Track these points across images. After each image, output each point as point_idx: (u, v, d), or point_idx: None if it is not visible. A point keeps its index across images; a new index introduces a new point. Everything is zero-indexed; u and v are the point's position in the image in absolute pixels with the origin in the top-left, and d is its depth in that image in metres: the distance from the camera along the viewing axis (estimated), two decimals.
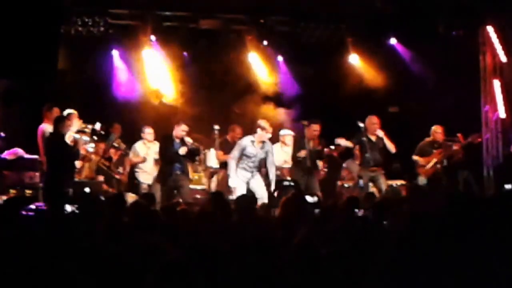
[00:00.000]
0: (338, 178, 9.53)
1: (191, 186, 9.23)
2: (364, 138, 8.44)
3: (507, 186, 7.47)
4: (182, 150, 8.17)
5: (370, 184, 8.59)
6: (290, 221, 4.28)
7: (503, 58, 9.66)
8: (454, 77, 9.76)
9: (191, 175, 9.40)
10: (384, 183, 8.55)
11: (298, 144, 8.65)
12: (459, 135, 8.87)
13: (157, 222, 4.29)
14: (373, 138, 8.60)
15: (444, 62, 9.86)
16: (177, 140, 8.24)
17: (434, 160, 9.03)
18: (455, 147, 9.12)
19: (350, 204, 5.26)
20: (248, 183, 8.11)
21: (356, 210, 5.17)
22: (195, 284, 2.55)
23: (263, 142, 8.15)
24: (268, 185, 8.15)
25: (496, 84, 9.78)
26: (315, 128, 8.58)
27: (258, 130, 8.08)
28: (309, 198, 7.28)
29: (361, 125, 8.44)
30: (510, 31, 9.44)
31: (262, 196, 7.81)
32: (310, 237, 3.04)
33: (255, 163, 8.14)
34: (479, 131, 9.65)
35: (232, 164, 8.04)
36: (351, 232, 3.50)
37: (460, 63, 9.75)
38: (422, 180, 8.97)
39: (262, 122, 8.19)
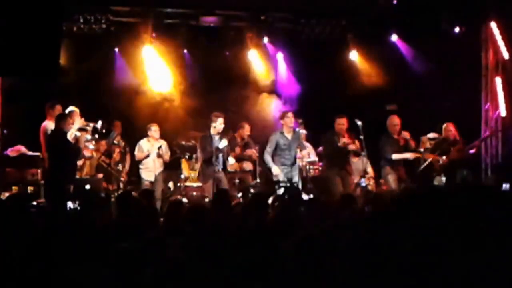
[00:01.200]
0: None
1: (187, 184, 9.28)
2: (362, 137, 8.35)
3: (505, 186, 7.41)
4: (223, 143, 8.15)
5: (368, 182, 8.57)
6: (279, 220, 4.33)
7: (506, 55, 9.60)
8: (455, 74, 9.72)
9: (188, 172, 9.46)
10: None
11: (326, 139, 8.52)
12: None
13: (154, 219, 4.35)
14: (395, 137, 8.40)
15: (445, 59, 9.79)
16: (217, 137, 8.19)
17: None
18: (476, 143, 8.98)
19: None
20: (290, 178, 8.14)
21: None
22: (196, 280, 2.60)
23: (293, 129, 8.27)
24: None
25: (498, 81, 9.74)
26: (340, 122, 8.40)
27: (281, 121, 8.25)
28: (304, 196, 7.37)
29: (359, 123, 8.26)
30: None
31: None
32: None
33: (291, 153, 8.22)
34: (479, 129, 9.62)
35: (267, 158, 8.15)
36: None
37: (462, 60, 9.68)
38: (439, 180, 8.50)
39: (282, 113, 8.44)
